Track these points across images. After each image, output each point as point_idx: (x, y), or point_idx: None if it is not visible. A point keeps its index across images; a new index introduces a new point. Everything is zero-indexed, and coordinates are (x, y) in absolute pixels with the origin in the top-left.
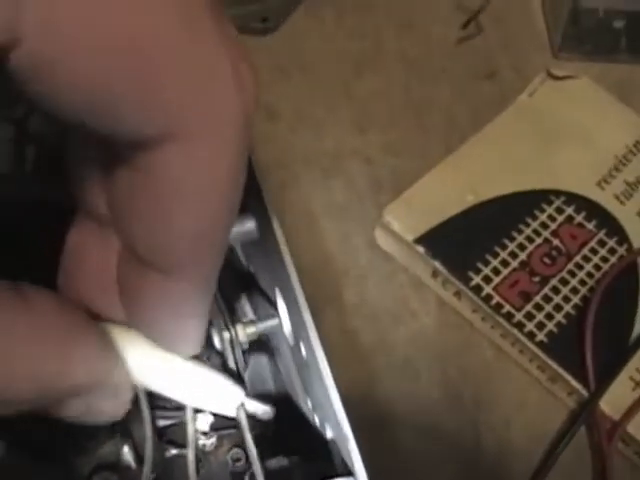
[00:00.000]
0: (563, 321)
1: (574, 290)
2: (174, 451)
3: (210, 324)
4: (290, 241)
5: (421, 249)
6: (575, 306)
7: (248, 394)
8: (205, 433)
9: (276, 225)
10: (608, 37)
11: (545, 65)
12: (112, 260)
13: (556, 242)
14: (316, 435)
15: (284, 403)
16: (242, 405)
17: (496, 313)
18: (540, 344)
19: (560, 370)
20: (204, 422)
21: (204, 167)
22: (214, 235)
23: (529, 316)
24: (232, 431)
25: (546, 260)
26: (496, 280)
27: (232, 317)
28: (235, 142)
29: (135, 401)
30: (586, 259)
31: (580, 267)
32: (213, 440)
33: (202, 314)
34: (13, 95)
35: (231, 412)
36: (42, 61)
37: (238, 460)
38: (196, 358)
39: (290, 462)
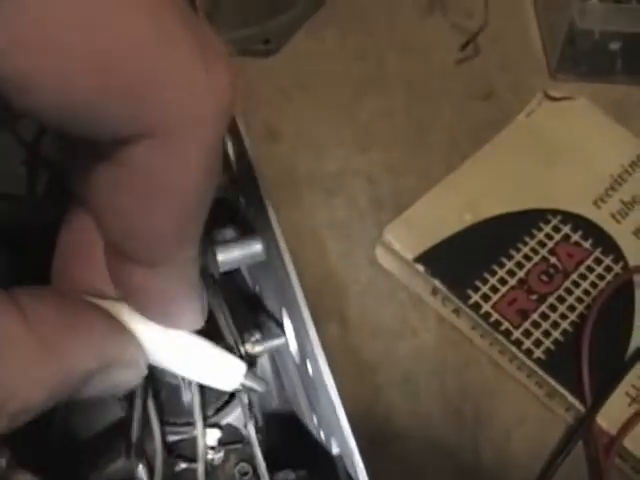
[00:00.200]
0: (560, 338)
1: (571, 307)
2: (184, 465)
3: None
4: (293, 259)
5: (421, 267)
6: (572, 323)
7: (249, 371)
8: (213, 448)
9: (283, 248)
10: (604, 58)
11: (542, 86)
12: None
13: (553, 260)
14: (322, 450)
15: (290, 419)
16: (243, 385)
17: (494, 330)
18: (538, 361)
19: (557, 386)
20: (212, 437)
21: (181, 162)
22: (194, 225)
23: (527, 333)
24: (239, 446)
25: (543, 278)
26: (494, 298)
27: (240, 336)
28: (209, 138)
29: (146, 418)
30: (583, 277)
31: (577, 285)
32: (221, 454)
33: (193, 295)
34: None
35: (232, 386)
36: (13, 76)
37: (245, 474)
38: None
39: (297, 476)
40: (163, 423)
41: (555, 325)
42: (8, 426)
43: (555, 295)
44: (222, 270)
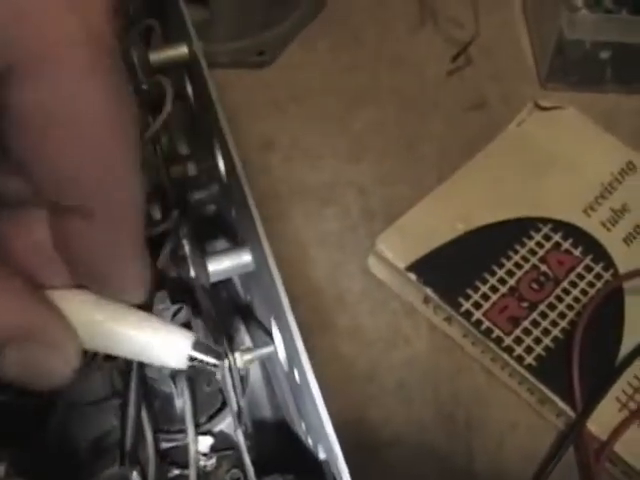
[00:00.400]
0: (551, 345)
1: (561, 315)
2: (176, 471)
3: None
4: (286, 269)
5: (413, 276)
6: (563, 330)
7: (198, 342)
8: (205, 454)
9: (270, 259)
10: (594, 68)
11: (533, 95)
12: (39, 233)
13: (544, 268)
14: (310, 456)
15: (280, 425)
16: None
17: (486, 338)
18: (529, 367)
19: (548, 392)
20: (204, 444)
21: (58, 91)
22: (113, 163)
23: (518, 340)
24: (231, 452)
25: (534, 286)
26: (486, 306)
27: (230, 345)
28: (83, 61)
29: (139, 426)
30: (573, 284)
31: (567, 292)
32: (213, 461)
33: (133, 257)
34: None
35: (179, 360)
36: None
37: None
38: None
39: (284, 477)
40: (156, 430)
41: (546, 332)
42: None
43: (546, 302)
44: (213, 280)
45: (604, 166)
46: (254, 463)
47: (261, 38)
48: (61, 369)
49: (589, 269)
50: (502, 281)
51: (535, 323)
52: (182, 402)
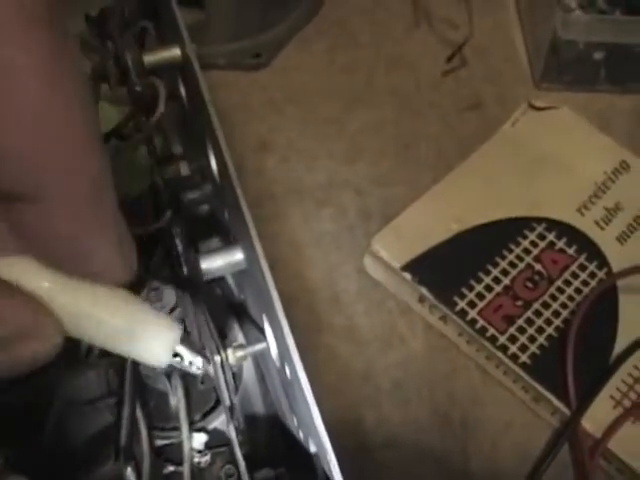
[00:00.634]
0: (545, 343)
1: (556, 313)
2: (171, 468)
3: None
4: (282, 269)
5: (408, 276)
6: (557, 328)
7: (185, 339)
8: (200, 451)
9: (262, 257)
10: (588, 68)
11: (527, 96)
12: None
13: (538, 267)
14: (301, 450)
15: (273, 421)
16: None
17: (481, 336)
18: (523, 365)
19: (543, 390)
20: (199, 441)
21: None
22: (58, 130)
23: (512, 339)
24: (225, 449)
25: (528, 285)
26: (480, 305)
27: (223, 342)
28: (25, 35)
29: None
30: (567, 283)
31: (561, 291)
32: (207, 458)
33: (108, 234)
34: None
35: (163, 355)
36: None
37: (231, 476)
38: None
39: (277, 474)
40: (152, 428)
41: (540, 330)
42: None
43: (540, 301)
44: (206, 278)
45: (598, 165)
46: (246, 457)
47: (257, 40)
48: (45, 353)
49: (583, 268)
50: (497, 280)
51: (529, 322)
52: (176, 400)
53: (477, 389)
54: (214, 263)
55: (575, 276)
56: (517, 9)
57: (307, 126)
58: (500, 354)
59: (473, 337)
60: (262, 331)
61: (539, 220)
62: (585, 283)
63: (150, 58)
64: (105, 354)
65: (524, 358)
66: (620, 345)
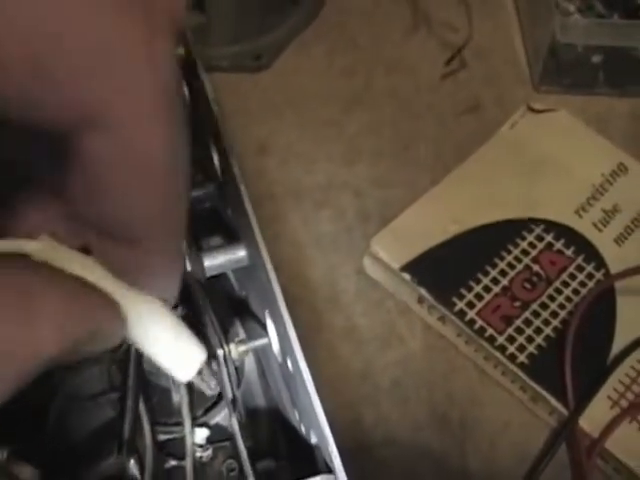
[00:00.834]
0: (543, 344)
1: (554, 314)
2: (173, 462)
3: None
4: (282, 269)
5: (407, 276)
6: (555, 329)
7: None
8: (202, 446)
9: (265, 253)
10: (587, 71)
11: (526, 98)
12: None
13: (536, 268)
14: (303, 442)
15: (274, 415)
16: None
17: (479, 337)
18: (521, 366)
19: (541, 390)
20: (201, 436)
21: (132, 147)
22: (168, 206)
23: (511, 339)
24: (227, 444)
25: (527, 285)
26: (479, 305)
27: (226, 337)
28: (158, 116)
29: (137, 418)
30: (565, 284)
31: (559, 292)
32: (209, 452)
33: (175, 268)
34: None
35: (186, 376)
36: None
37: (232, 470)
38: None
39: (278, 465)
40: (154, 423)
41: (538, 331)
42: None
43: (538, 302)
44: (209, 275)
45: (596, 168)
46: (248, 450)
47: (258, 43)
48: (120, 331)
49: (581, 269)
50: (495, 281)
51: (528, 322)
52: (179, 395)
53: (475, 389)
54: (216, 260)
55: (573, 277)
56: (516, 12)
57: (306, 129)
58: (498, 354)
59: (471, 337)
60: (264, 327)
61: (537, 222)
62: (583, 284)
63: None
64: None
65: (522, 358)
66: (617, 346)
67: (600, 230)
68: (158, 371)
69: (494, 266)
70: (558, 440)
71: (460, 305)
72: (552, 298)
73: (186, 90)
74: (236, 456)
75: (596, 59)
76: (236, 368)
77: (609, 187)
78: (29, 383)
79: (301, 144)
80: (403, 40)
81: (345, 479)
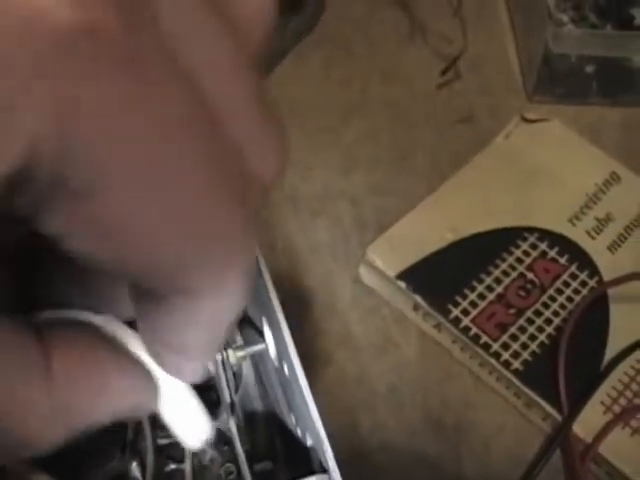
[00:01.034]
0: (537, 350)
1: (548, 321)
2: (173, 466)
3: None
4: (279, 277)
5: (403, 284)
6: (549, 336)
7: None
8: (200, 450)
9: (262, 262)
10: (580, 81)
11: (520, 108)
12: None
13: (530, 276)
14: (299, 445)
15: (271, 419)
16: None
17: (474, 343)
18: (516, 372)
19: (535, 396)
20: None
21: (208, 314)
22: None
23: (505, 346)
24: (225, 448)
25: (521, 293)
26: (474, 312)
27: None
28: (239, 290)
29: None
30: (559, 292)
31: (553, 299)
32: (208, 456)
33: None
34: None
35: (192, 445)
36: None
37: (230, 474)
38: None
39: (275, 466)
40: (155, 428)
41: (532, 338)
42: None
43: (532, 309)
44: None
45: (589, 177)
46: (246, 452)
47: None
48: (153, 407)
49: (574, 277)
50: (490, 288)
51: (522, 329)
52: None
53: (470, 395)
54: None
55: (567, 285)
56: (510, 24)
57: (303, 137)
58: (493, 361)
59: (466, 344)
60: (261, 333)
61: (531, 230)
62: (576, 291)
63: None
64: None
65: (517, 365)
66: (610, 352)
67: (593, 238)
68: None
69: (489, 274)
70: (552, 445)
71: (455, 312)
72: (546, 305)
73: None
74: (234, 460)
75: (589, 69)
76: (234, 373)
77: (602, 196)
78: None
79: (298, 152)
80: (399, 50)
81: (339, 479)
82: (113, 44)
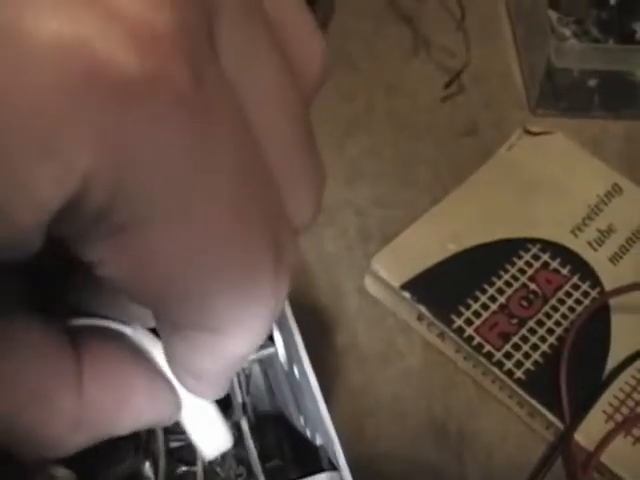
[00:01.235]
0: (540, 360)
1: (550, 331)
2: (184, 468)
3: None
4: None
5: (407, 294)
6: (551, 346)
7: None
8: None
9: None
10: (582, 95)
11: (523, 121)
12: None
13: (533, 286)
14: (308, 445)
15: (280, 421)
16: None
17: (477, 353)
18: (518, 381)
19: (538, 405)
20: None
21: (228, 350)
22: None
23: (508, 355)
24: (235, 450)
25: (524, 303)
26: (477, 322)
27: None
28: (262, 332)
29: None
30: (561, 302)
31: (555, 309)
32: (218, 458)
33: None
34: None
35: (209, 455)
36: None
37: (240, 475)
38: None
39: (285, 464)
40: (167, 431)
41: (535, 347)
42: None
43: (535, 319)
44: None
45: (591, 188)
46: (258, 452)
47: None
48: (175, 417)
49: (576, 287)
50: (493, 299)
51: (524, 339)
52: None
53: (473, 404)
54: None
55: (569, 295)
56: (513, 38)
57: None
58: (496, 370)
59: (470, 354)
60: (270, 337)
61: (534, 241)
62: (578, 302)
63: None
64: None
65: (519, 374)
66: (612, 361)
67: (595, 249)
68: None
69: (492, 284)
70: (554, 454)
71: (459, 322)
72: (548, 315)
73: None
74: (243, 462)
75: (592, 83)
76: (246, 376)
77: (604, 207)
78: None
79: None
80: (403, 64)
81: (349, 476)
82: (180, 94)
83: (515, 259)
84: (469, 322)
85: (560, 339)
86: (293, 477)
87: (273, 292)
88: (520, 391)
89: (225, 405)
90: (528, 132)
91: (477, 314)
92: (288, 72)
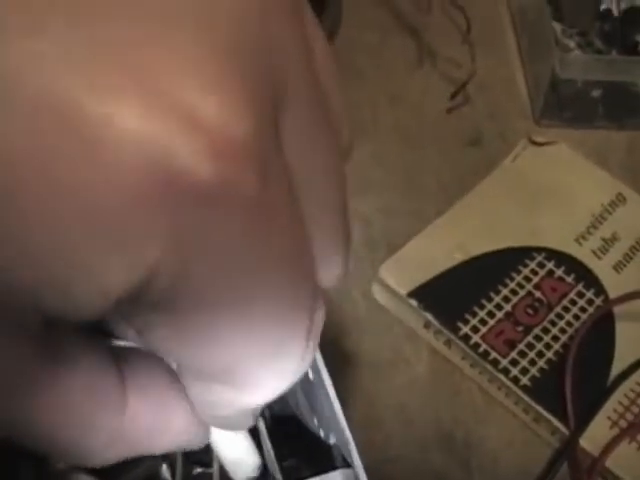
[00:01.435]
0: (545, 366)
1: (555, 338)
2: (199, 469)
3: None
4: None
5: (414, 302)
6: (556, 353)
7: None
8: None
9: None
10: (586, 105)
11: (527, 132)
12: None
13: (538, 294)
14: (321, 444)
15: (294, 422)
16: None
17: (483, 360)
18: (524, 388)
19: (543, 411)
20: None
21: (244, 404)
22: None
23: (514, 362)
24: None
25: (529, 311)
26: (483, 330)
27: None
28: (285, 388)
29: None
30: (566, 310)
31: (560, 317)
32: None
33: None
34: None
35: (239, 477)
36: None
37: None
38: None
39: (299, 462)
40: None
41: (540, 354)
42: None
43: (540, 327)
44: None
45: (595, 198)
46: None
47: None
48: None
49: (581, 295)
50: (498, 307)
51: (530, 346)
52: None
53: (480, 410)
54: None
55: (573, 303)
56: (518, 49)
57: None
58: (502, 377)
59: (476, 361)
60: None
61: (539, 250)
62: (583, 310)
63: None
64: None
65: (525, 381)
66: (617, 368)
67: (599, 258)
68: None
69: (497, 292)
70: (560, 459)
71: (465, 330)
72: (553, 323)
73: None
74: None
75: (595, 94)
76: None
77: (608, 216)
78: None
79: None
80: (408, 75)
81: (364, 474)
82: (247, 197)
83: (520, 267)
84: (475, 330)
85: (565, 346)
86: (308, 475)
87: (302, 356)
88: (526, 398)
89: None
90: (533, 142)
91: (483, 322)
92: (337, 146)
